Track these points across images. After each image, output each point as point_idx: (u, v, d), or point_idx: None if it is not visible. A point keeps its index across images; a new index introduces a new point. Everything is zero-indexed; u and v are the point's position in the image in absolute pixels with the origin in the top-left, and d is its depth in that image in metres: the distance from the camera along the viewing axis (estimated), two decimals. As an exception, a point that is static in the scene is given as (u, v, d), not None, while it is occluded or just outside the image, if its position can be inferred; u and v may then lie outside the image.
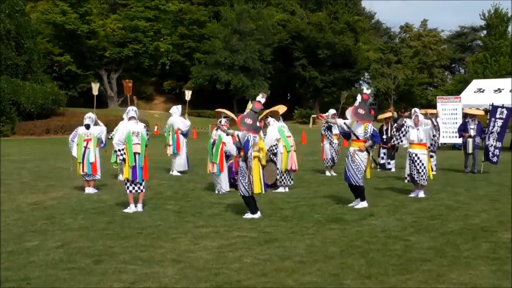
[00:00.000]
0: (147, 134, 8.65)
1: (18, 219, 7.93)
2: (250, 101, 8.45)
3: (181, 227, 7.33)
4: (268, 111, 10.92)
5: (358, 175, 8.69)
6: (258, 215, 7.94)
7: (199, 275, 5.22)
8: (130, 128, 8.54)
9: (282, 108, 11.10)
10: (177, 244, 6.40)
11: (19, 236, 6.82)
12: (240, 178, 7.95)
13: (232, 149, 9.53)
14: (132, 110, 8.77)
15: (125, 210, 8.41)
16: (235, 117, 10.96)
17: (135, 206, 8.47)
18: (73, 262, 5.66)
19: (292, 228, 7.22)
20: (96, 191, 10.50)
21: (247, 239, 6.65)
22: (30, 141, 27.08)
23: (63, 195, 10.13)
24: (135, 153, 8.41)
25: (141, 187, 8.57)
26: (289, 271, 5.33)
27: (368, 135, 8.63)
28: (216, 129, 10.37)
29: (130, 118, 8.78)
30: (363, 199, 8.80)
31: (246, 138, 7.89)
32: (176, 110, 13.74)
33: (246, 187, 7.89)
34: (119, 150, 8.84)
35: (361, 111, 8.68)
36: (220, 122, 10.28)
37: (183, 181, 12.14)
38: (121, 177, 11.28)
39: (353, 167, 8.71)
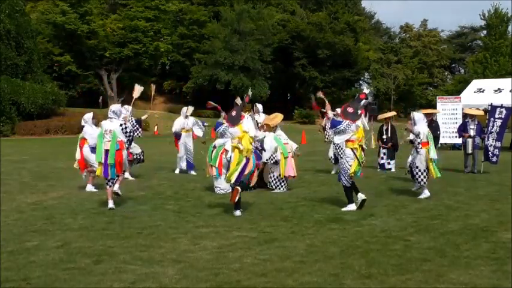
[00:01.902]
0: (127, 132, 8.79)
1: (18, 219, 7.92)
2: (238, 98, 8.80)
3: (181, 227, 7.33)
4: (263, 123, 10.87)
5: (342, 174, 8.66)
6: (237, 213, 8.10)
7: (199, 275, 5.22)
8: (104, 126, 8.82)
9: (278, 118, 10.91)
10: (177, 244, 6.40)
11: (19, 236, 6.82)
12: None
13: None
14: (110, 111, 8.94)
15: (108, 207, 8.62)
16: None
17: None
18: (73, 262, 5.66)
19: (292, 228, 7.22)
20: (93, 189, 10.47)
21: (247, 239, 6.65)
22: (30, 141, 27.09)
23: (63, 195, 10.13)
24: (105, 150, 8.60)
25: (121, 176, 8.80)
26: (289, 271, 5.33)
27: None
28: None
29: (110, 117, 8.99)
30: (349, 201, 8.67)
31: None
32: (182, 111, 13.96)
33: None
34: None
35: (349, 109, 8.66)
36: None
37: (183, 181, 12.14)
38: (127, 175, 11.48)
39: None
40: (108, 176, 8.62)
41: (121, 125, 8.74)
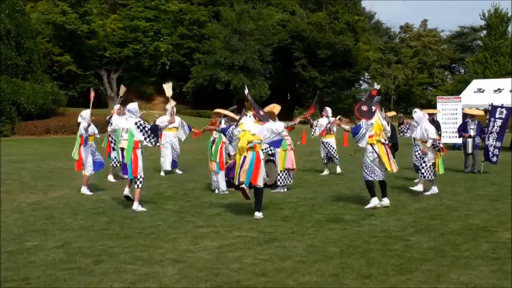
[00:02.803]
0: (144, 129, 8.58)
1: (18, 219, 7.93)
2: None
3: (181, 227, 7.33)
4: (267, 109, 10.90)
5: (364, 169, 8.80)
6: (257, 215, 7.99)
7: (199, 275, 5.22)
8: (120, 124, 8.95)
9: (276, 108, 11.03)
10: (177, 244, 6.40)
11: (19, 236, 6.82)
12: None
13: (231, 149, 9.62)
14: (126, 110, 8.97)
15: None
16: (235, 117, 10.98)
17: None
18: (73, 262, 5.66)
19: (292, 228, 7.23)
20: (87, 191, 10.26)
21: (247, 239, 6.65)
22: (30, 141, 27.06)
23: (63, 195, 10.13)
24: (121, 149, 8.67)
25: (138, 183, 8.63)
26: (289, 271, 5.33)
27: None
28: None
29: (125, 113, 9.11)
30: (371, 196, 8.78)
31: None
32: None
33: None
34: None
35: (364, 107, 8.72)
36: (220, 122, 10.34)
37: (183, 181, 12.14)
38: (110, 178, 11.96)
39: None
40: (127, 174, 8.66)
41: (136, 123, 8.61)
